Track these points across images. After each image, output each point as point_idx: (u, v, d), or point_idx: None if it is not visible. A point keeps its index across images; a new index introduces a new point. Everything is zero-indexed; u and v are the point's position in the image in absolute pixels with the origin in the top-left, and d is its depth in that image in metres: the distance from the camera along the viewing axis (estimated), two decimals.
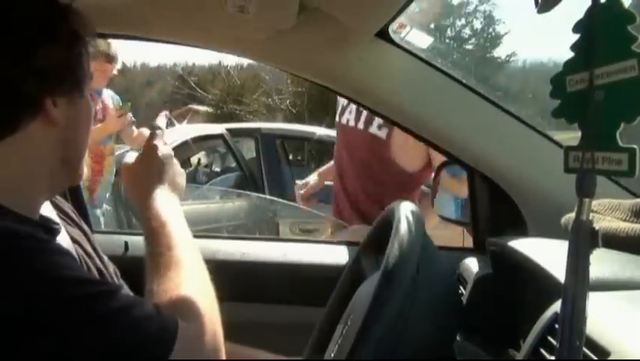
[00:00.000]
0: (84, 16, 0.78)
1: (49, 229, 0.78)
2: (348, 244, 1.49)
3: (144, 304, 0.66)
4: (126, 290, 0.81)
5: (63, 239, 0.84)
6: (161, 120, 1.05)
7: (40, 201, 0.80)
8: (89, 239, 0.98)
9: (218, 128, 4.94)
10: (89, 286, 0.63)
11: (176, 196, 0.89)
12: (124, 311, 0.62)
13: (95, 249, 0.97)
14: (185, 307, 0.69)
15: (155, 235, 0.80)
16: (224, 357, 0.69)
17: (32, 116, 0.71)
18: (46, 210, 0.86)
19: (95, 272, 0.89)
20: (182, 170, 0.95)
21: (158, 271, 0.75)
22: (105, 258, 0.99)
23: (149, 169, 0.89)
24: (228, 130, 5.13)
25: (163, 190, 0.86)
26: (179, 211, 0.85)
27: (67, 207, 1.00)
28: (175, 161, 0.93)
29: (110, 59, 2.85)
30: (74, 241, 0.90)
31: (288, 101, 13.31)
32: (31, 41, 0.71)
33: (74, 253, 0.85)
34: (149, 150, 0.91)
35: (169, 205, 0.84)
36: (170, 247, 0.77)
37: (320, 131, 4.83)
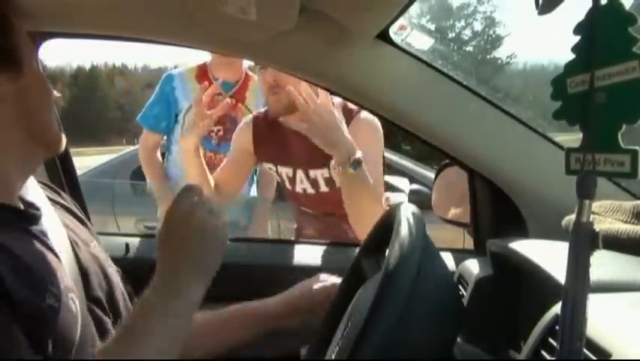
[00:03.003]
0: None
1: (25, 215, 0.80)
2: (350, 245, 1.49)
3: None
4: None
5: (49, 221, 0.85)
6: None
7: (17, 182, 0.82)
8: (88, 228, 1.00)
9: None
10: None
11: (201, 282, 0.74)
12: None
13: (96, 238, 0.99)
14: None
15: (140, 316, 0.72)
16: None
17: None
18: (32, 193, 0.88)
19: (88, 256, 0.90)
20: (224, 236, 0.78)
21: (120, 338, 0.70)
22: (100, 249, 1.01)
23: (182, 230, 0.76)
24: None
25: (183, 277, 0.73)
26: (181, 317, 0.72)
27: (64, 197, 1.02)
28: (222, 223, 0.77)
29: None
30: (65, 225, 0.91)
31: None
32: None
33: (63, 236, 0.86)
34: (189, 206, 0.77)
35: (177, 305, 0.72)
36: (144, 331, 0.69)
37: None
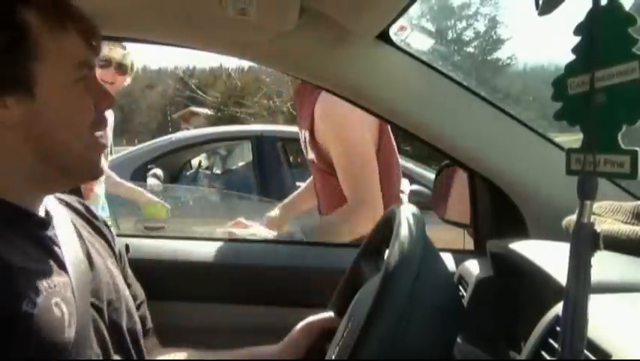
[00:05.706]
0: (40, 15, 0.78)
1: (31, 218, 0.82)
2: (349, 246, 1.49)
3: None
4: None
5: (62, 230, 0.86)
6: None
7: (36, 196, 0.84)
8: (109, 245, 1.01)
9: None
10: None
11: None
12: None
13: (115, 255, 1.01)
14: None
15: None
16: None
17: None
18: (50, 205, 0.89)
19: (103, 268, 0.92)
20: None
21: None
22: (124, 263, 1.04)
23: None
24: (230, 133, 5.15)
25: None
26: None
27: (89, 212, 1.03)
28: None
29: (123, 70, 2.44)
30: (81, 236, 0.92)
31: (289, 104, 13.34)
32: None
33: (75, 245, 0.87)
34: None
35: None
36: None
37: None
